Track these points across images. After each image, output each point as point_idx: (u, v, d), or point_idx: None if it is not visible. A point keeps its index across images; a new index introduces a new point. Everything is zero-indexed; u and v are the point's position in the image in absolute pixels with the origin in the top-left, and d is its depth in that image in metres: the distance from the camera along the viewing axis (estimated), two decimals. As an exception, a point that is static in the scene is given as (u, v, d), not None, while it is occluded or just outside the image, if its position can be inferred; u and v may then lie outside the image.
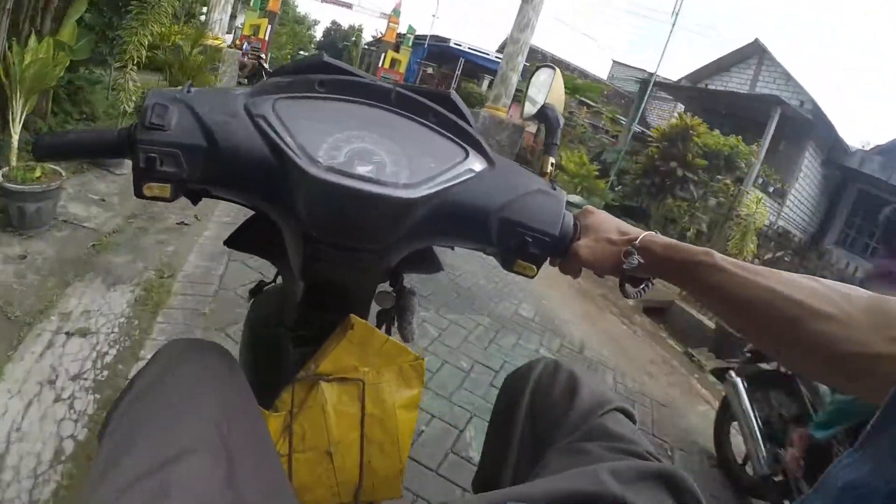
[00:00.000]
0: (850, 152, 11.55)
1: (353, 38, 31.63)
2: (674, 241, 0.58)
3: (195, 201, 0.62)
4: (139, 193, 0.55)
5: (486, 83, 20.17)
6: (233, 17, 18.58)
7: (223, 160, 0.55)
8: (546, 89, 0.81)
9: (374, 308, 0.78)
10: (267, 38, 16.68)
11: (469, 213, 0.61)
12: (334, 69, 0.63)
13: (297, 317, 0.69)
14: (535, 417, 0.70)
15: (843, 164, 11.49)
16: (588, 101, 12.46)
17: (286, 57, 26.18)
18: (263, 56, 15.76)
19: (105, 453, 0.45)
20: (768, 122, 9.23)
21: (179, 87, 0.58)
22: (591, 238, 0.63)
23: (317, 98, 0.61)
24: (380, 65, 18.34)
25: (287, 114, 0.57)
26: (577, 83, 10.93)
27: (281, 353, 0.72)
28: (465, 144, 0.63)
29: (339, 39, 39.81)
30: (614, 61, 29.58)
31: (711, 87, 14.58)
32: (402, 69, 18.48)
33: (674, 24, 8.67)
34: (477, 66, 20.01)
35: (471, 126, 0.65)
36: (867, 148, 13.09)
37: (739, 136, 7.77)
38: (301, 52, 33.13)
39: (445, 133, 0.64)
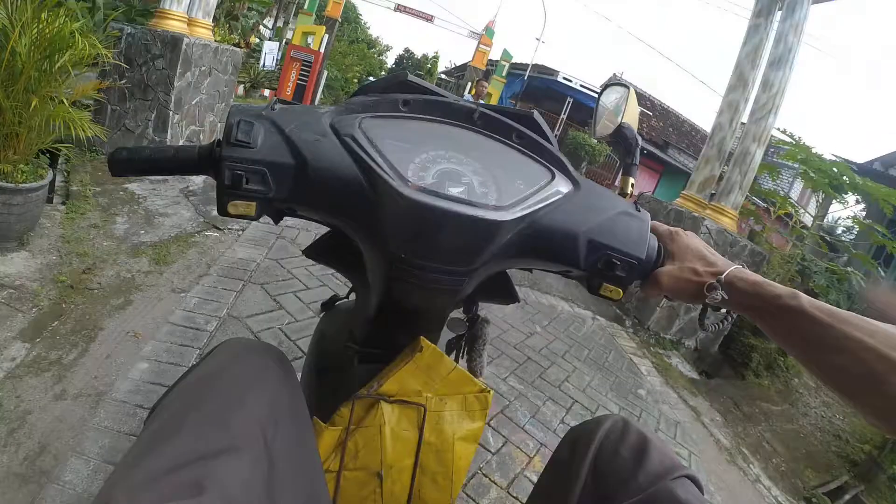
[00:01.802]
0: None
1: (429, 66, 27.95)
2: (762, 278, 0.57)
3: (276, 221, 0.62)
4: (223, 211, 0.55)
5: (596, 131, 15.55)
6: (286, 23, 14.92)
7: (312, 179, 0.55)
8: (623, 108, 0.81)
9: (446, 334, 0.77)
10: (322, 51, 12.78)
11: (558, 236, 0.61)
12: (418, 88, 0.65)
13: (367, 333, 0.68)
14: (599, 473, 0.66)
15: None
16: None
17: (353, 80, 22.77)
18: (308, 74, 11.89)
19: (146, 438, 0.45)
20: None
21: (265, 104, 0.58)
22: (676, 265, 0.63)
23: (401, 118, 0.62)
24: (464, 97, 14.08)
25: (374, 133, 0.57)
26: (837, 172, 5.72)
27: (346, 368, 0.71)
28: (550, 166, 0.65)
29: (412, 68, 36.90)
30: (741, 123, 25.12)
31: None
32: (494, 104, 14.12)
33: None
34: (589, 111, 15.47)
35: (554, 146, 0.67)
36: None
37: None
38: (370, 78, 30.32)
39: (530, 154, 0.65)
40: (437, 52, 28.56)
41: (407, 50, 39.28)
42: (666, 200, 5.63)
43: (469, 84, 14.13)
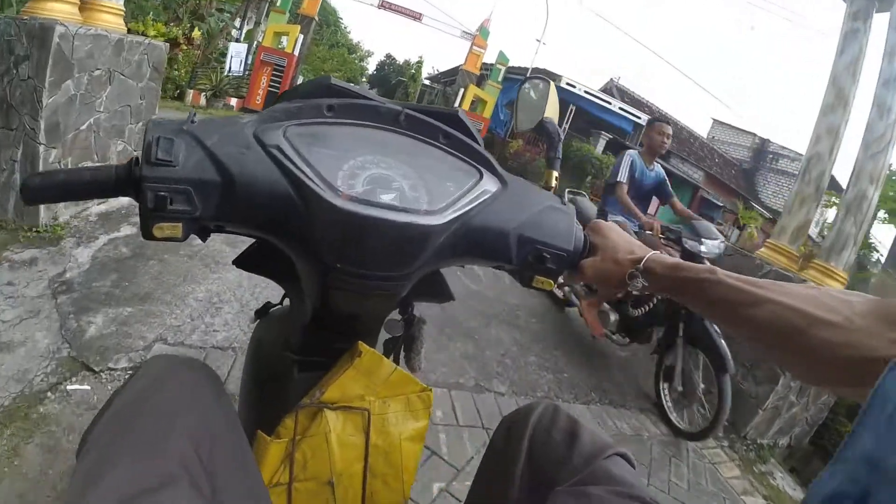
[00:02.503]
0: None
1: (412, 72, 26.44)
2: (679, 260, 0.60)
3: (204, 238, 0.60)
4: (148, 235, 0.52)
5: (601, 143, 14.25)
6: (257, 24, 13.30)
7: (239, 195, 0.53)
8: (543, 102, 0.83)
9: (383, 335, 0.77)
10: (297, 54, 11.21)
11: (489, 234, 0.62)
12: (342, 92, 0.63)
13: (304, 341, 0.68)
14: (534, 458, 0.67)
15: None
16: None
17: (332, 88, 21.18)
18: (281, 80, 10.36)
19: (83, 475, 0.44)
20: None
21: (185, 119, 0.55)
22: (599, 256, 0.66)
23: (326, 123, 0.61)
24: (456, 104, 12.59)
25: (300, 142, 0.56)
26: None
27: (285, 377, 0.69)
28: (477, 165, 0.65)
29: (394, 74, 35.55)
30: (715, 120, 24.23)
31: None
32: (488, 113, 12.74)
33: None
34: (592, 119, 14.16)
35: (480, 144, 0.67)
36: None
37: None
38: (350, 85, 28.62)
39: (457, 154, 0.65)
40: (420, 58, 26.96)
41: (388, 55, 37.88)
42: (750, 252, 4.34)
43: (461, 90, 12.69)
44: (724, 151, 21.08)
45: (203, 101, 10.18)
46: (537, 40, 13.59)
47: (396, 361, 0.76)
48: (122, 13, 3.12)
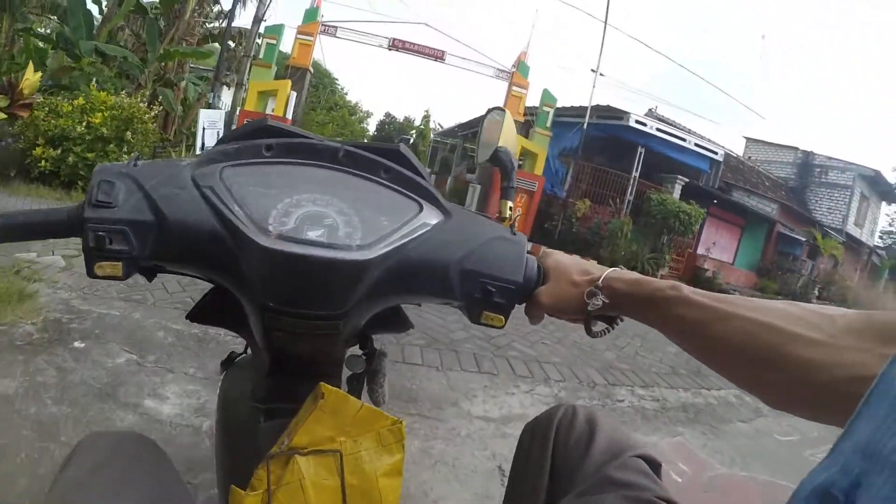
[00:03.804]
0: None
1: (420, 127, 24.10)
2: (640, 275, 0.57)
3: (150, 278, 0.64)
4: (91, 273, 0.54)
5: (677, 189, 11.33)
6: (238, 85, 10.67)
7: (172, 235, 0.55)
8: (498, 132, 0.83)
9: (346, 372, 0.77)
10: (289, 117, 8.48)
11: (428, 269, 0.60)
12: (280, 132, 0.65)
13: (267, 389, 0.68)
14: (555, 466, 0.68)
15: None
16: None
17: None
18: None
19: None
20: None
21: (128, 160, 0.59)
22: (553, 282, 0.62)
23: (265, 163, 0.62)
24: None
25: (235, 182, 0.58)
26: None
27: (253, 427, 0.68)
28: (418, 198, 0.64)
29: (395, 133, 33.60)
30: (748, 139, 21.70)
31: None
32: (539, 168, 9.91)
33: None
34: (664, 161, 11.31)
35: (424, 178, 0.66)
36: None
37: None
38: (352, 148, 26.54)
39: (397, 188, 0.64)
40: (427, 112, 24.84)
41: (388, 114, 36.19)
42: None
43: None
44: (767, 171, 18.61)
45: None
46: (592, 71, 10.92)
47: (359, 397, 0.69)
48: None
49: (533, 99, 10.59)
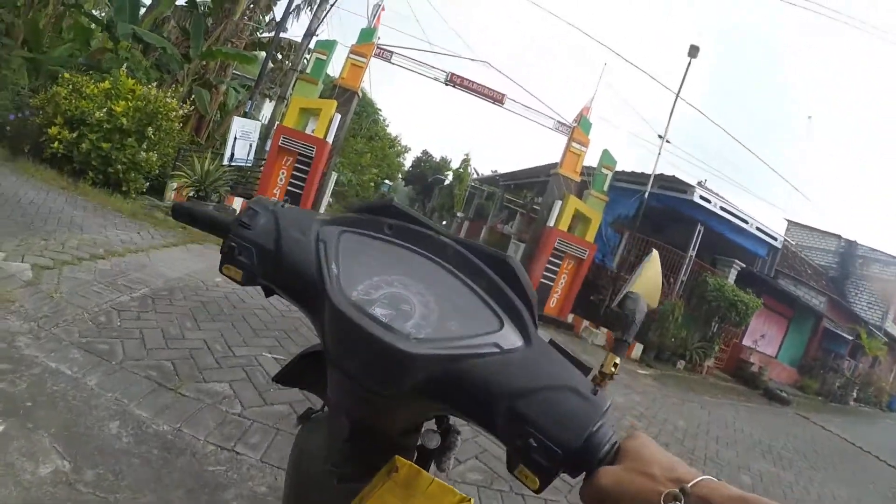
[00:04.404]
0: None
1: (460, 170, 23.39)
2: (744, 492, 0.44)
3: (267, 294, 0.70)
4: (220, 270, 0.67)
5: (732, 274, 10.26)
6: (281, 99, 10.01)
7: (283, 268, 0.65)
8: (638, 273, 0.80)
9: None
10: (329, 141, 7.69)
11: (474, 391, 0.56)
12: (404, 215, 0.70)
13: (342, 453, 0.70)
14: None
15: None
16: None
17: (369, 185, 17.87)
18: (307, 176, 6.86)
19: None
20: None
21: (278, 201, 0.71)
22: (625, 466, 0.50)
23: (380, 239, 0.68)
24: (550, 222, 8.83)
25: (346, 246, 0.65)
26: None
27: (326, 488, 0.72)
28: (503, 315, 0.62)
29: (430, 172, 33.19)
30: (790, 221, 20.47)
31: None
32: (591, 235, 8.94)
33: None
34: (721, 242, 10.33)
35: (526, 298, 0.64)
36: None
37: None
38: (386, 182, 26.17)
39: (487, 299, 0.64)
40: (467, 155, 24.06)
41: (425, 152, 35.96)
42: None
43: (556, 203, 8.95)
44: (810, 259, 17.56)
45: (171, 196, 6.57)
46: (660, 136, 10.05)
47: (428, 469, 0.73)
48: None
49: (591, 159, 9.73)
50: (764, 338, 13.04)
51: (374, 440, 0.67)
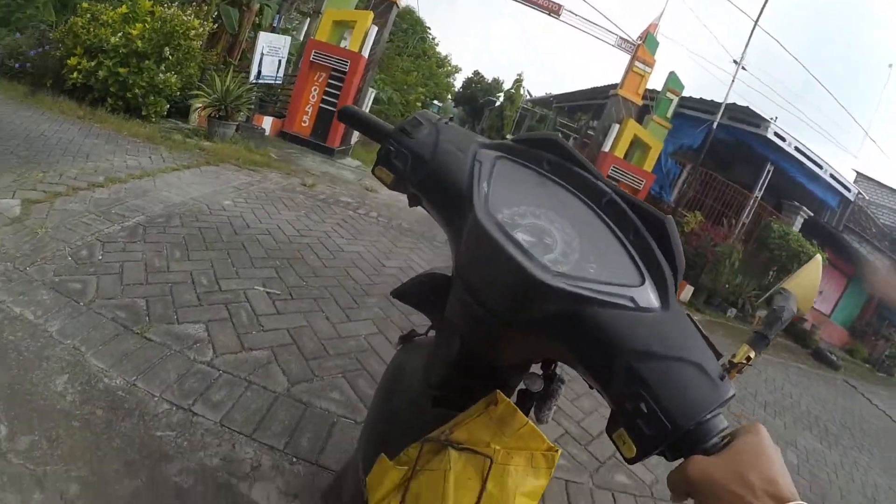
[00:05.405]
0: None
1: (512, 91, 22.13)
2: None
3: (411, 203, 0.74)
4: (373, 171, 0.73)
5: (798, 222, 9.30)
6: (316, 13, 9.35)
7: (434, 178, 0.68)
8: (795, 272, 0.78)
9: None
10: (366, 55, 7.15)
11: (597, 339, 0.54)
12: (568, 155, 0.70)
13: (444, 378, 0.70)
14: None
15: None
16: None
17: (415, 105, 17.06)
18: (340, 92, 6.39)
19: None
20: None
21: (442, 117, 0.75)
22: (724, 461, 0.47)
23: (536, 172, 0.69)
24: (605, 147, 8.12)
25: (501, 170, 0.67)
26: None
27: (419, 408, 0.72)
28: (647, 273, 0.60)
29: (480, 94, 31.67)
30: (858, 173, 18.27)
31: None
32: (650, 164, 8.20)
33: None
34: (790, 185, 9.30)
35: (675, 263, 0.61)
36: None
37: None
38: (435, 102, 25.21)
39: (633, 254, 0.62)
40: (519, 75, 22.68)
41: (476, 72, 34.12)
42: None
43: (613, 127, 8.18)
44: (875, 216, 15.70)
45: (195, 118, 6.32)
46: (735, 62, 8.84)
47: (526, 413, 0.71)
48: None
49: (654, 82, 8.74)
50: (821, 294, 12.08)
51: (479, 370, 0.68)
